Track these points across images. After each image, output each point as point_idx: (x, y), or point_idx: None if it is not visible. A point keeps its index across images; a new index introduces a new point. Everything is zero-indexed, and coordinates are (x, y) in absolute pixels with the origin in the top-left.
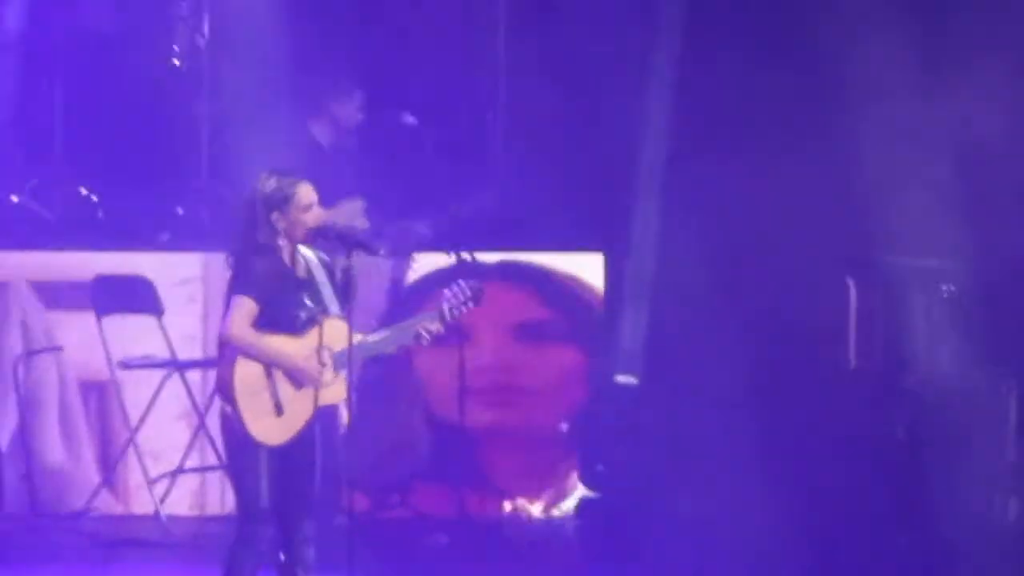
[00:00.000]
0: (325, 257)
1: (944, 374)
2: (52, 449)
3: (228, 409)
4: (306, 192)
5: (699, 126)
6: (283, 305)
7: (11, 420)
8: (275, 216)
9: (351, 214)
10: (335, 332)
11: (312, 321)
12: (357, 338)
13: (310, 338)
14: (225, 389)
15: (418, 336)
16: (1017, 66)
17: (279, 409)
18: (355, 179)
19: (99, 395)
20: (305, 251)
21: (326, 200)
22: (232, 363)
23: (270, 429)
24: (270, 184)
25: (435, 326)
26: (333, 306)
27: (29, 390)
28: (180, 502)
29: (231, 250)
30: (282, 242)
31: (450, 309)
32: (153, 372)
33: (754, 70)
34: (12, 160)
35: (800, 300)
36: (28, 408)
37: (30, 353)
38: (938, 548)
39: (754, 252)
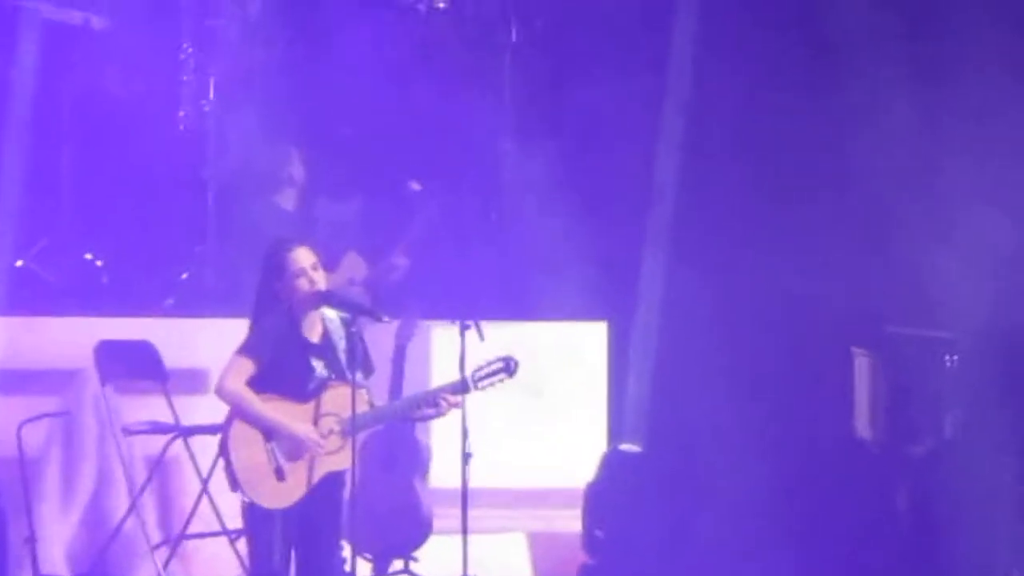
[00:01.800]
0: (347, 316)
1: (948, 444)
2: (51, 512)
3: (228, 475)
4: (299, 257)
5: (704, 196)
6: (288, 369)
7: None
8: (276, 285)
9: (351, 267)
10: (339, 399)
11: (320, 388)
12: (369, 405)
13: (314, 404)
14: (223, 447)
15: (438, 406)
16: None
17: (279, 474)
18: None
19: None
20: (329, 314)
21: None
22: (230, 423)
23: (271, 493)
24: (268, 252)
25: (456, 397)
26: (345, 371)
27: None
28: (183, 568)
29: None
30: (292, 307)
31: (475, 380)
32: (157, 437)
33: (759, 135)
34: (17, 224)
35: (805, 370)
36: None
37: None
38: None
39: (759, 322)
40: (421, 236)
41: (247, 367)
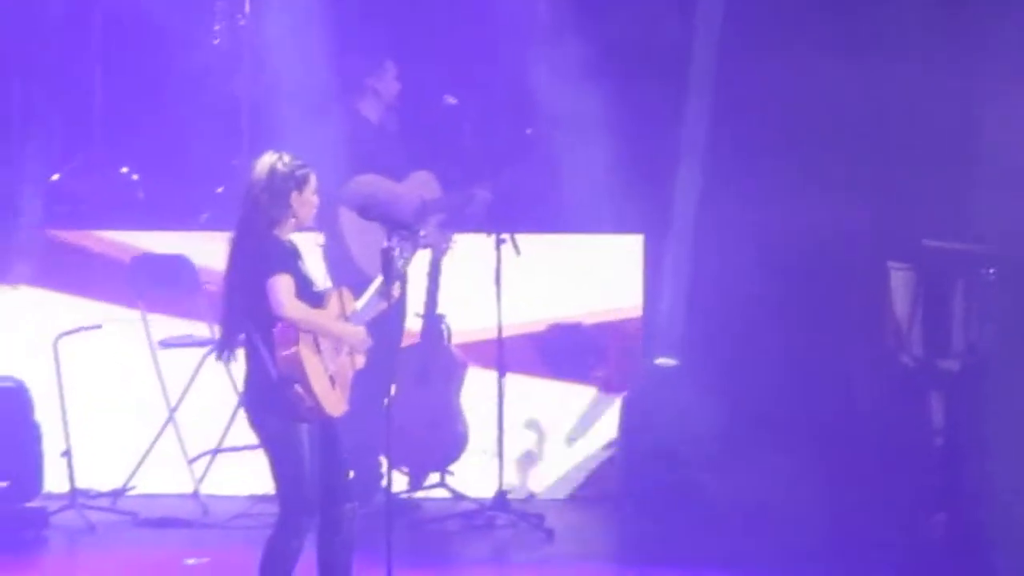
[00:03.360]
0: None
1: (982, 359)
2: (88, 426)
3: (298, 388)
4: (314, 178)
5: (741, 109)
6: (301, 280)
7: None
8: (294, 196)
9: (424, 184)
10: (344, 300)
11: (320, 296)
12: (353, 307)
13: (331, 308)
14: (295, 367)
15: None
16: None
17: (333, 380)
18: (404, 155)
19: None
20: None
21: (380, 174)
22: (296, 343)
23: (334, 402)
24: (291, 163)
25: (396, 286)
26: (318, 281)
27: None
28: (218, 481)
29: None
30: (289, 222)
31: (403, 263)
32: (193, 351)
33: (793, 59)
34: (54, 140)
35: (841, 284)
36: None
37: (73, 331)
38: (973, 531)
39: (794, 235)
40: (510, 179)
41: (291, 284)
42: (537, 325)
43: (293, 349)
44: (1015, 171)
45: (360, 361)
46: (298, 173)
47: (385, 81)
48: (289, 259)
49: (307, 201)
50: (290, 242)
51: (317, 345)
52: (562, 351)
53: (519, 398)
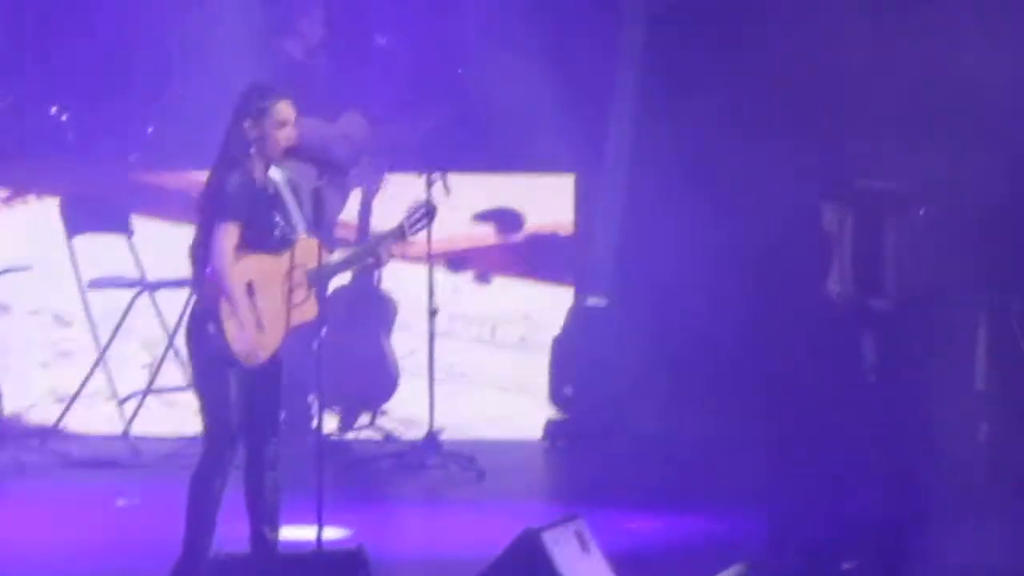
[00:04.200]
0: (290, 175)
1: (916, 297)
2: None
3: (212, 328)
4: (283, 108)
5: (675, 50)
6: (258, 224)
7: None
8: (248, 125)
9: (349, 124)
10: (307, 251)
11: (284, 241)
12: (326, 259)
13: (284, 257)
14: (212, 308)
15: (378, 255)
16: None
17: (260, 326)
18: (330, 94)
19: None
20: (272, 170)
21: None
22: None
23: (253, 347)
24: (248, 94)
25: (392, 244)
26: (300, 225)
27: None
28: (148, 422)
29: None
30: (254, 158)
31: (408, 225)
32: (123, 292)
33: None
34: None
35: (774, 223)
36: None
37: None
38: (908, 469)
39: (728, 174)
40: (440, 117)
41: (234, 233)
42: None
43: (214, 289)
44: (943, 116)
45: (305, 314)
46: (256, 104)
47: (312, 24)
48: (241, 203)
49: (267, 135)
50: (259, 180)
51: (250, 287)
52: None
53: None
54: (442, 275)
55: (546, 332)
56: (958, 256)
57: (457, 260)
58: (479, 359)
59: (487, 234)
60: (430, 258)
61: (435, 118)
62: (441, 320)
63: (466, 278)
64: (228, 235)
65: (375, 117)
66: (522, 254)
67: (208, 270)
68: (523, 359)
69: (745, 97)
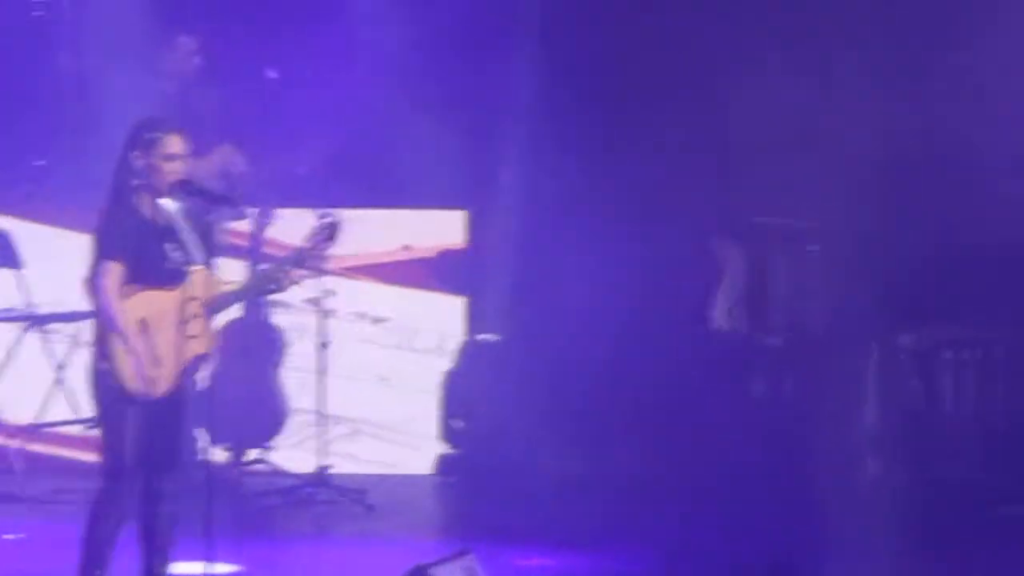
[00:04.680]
0: (187, 206)
1: (806, 334)
2: None
3: (104, 365)
4: (173, 142)
5: (568, 84)
6: (148, 258)
7: None
8: (135, 156)
9: (225, 158)
10: (202, 283)
11: (178, 272)
12: (222, 288)
13: (178, 290)
14: (103, 344)
15: (278, 280)
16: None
17: (156, 361)
18: (219, 132)
19: None
20: (166, 201)
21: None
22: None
23: (148, 382)
24: (138, 127)
25: (294, 269)
26: (199, 255)
27: None
28: (36, 456)
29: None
30: (142, 190)
31: (308, 249)
32: (11, 326)
33: (630, 28)
34: None
35: (666, 260)
36: None
37: None
38: (799, 503)
39: (620, 212)
40: (326, 145)
41: (117, 271)
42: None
43: (104, 326)
44: (842, 154)
45: (203, 345)
46: (145, 136)
47: (178, 57)
48: (127, 237)
49: (155, 167)
50: (147, 213)
51: (143, 323)
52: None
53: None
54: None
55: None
56: (847, 292)
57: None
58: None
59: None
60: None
61: (321, 152)
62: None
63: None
64: (109, 273)
65: (259, 153)
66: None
67: (95, 309)
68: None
69: (640, 132)
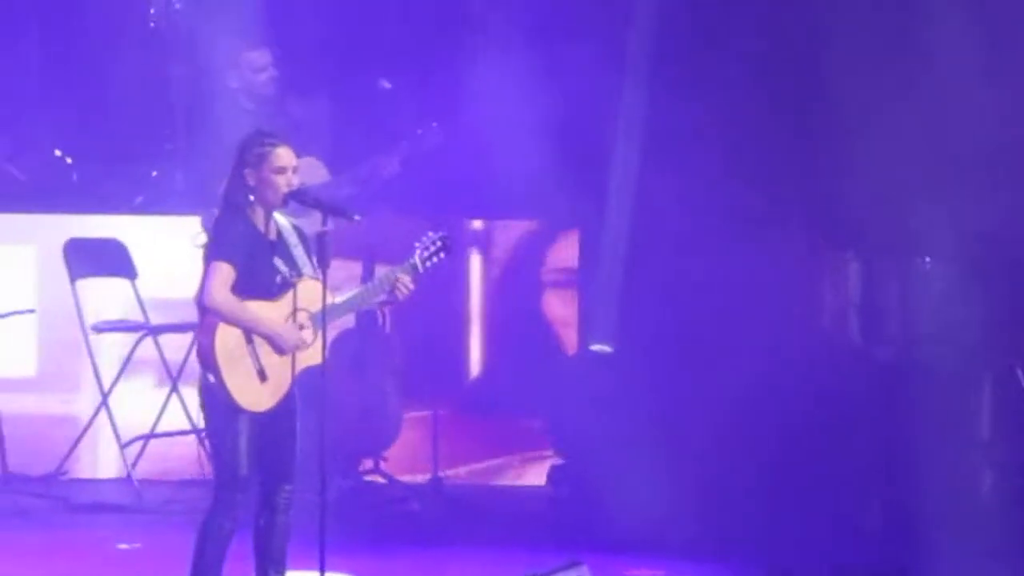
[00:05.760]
0: (295, 221)
1: (921, 348)
2: (21, 411)
3: (211, 378)
4: (282, 154)
5: (678, 96)
6: (258, 269)
7: None
8: (247, 173)
9: (308, 171)
10: (310, 294)
11: (286, 284)
12: (332, 299)
13: (285, 301)
14: (207, 357)
15: (392, 290)
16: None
17: (263, 375)
18: (328, 144)
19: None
20: (276, 215)
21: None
22: (213, 330)
23: (256, 396)
24: (248, 141)
25: (407, 278)
26: (306, 268)
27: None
28: (152, 467)
29: (209, 213)
30: (255, 204)
31: (422, 260)
32: (126, 336)
33: (731, 48)
34: None
35: (776, 272)
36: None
37: (4, 316)
38: (912, 519)
39: (731, 223)
40: (420, 149)
41: (228, 272)
42: None
43: (209, 337)
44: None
45: (313, 357)
46: (255, 151)
47: (246, 73)
48: (239, 245)
49: (266, 180)
50: (261, 227)
51: (248, 338)
52: None
53: None
54: None
55: None
56: (962, 305)
57: None
58: None
59: None
60: None
61: (400, 156)
62: None
63: None
64: (220, 273)
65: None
66: None
67: (202, 315)
68: None
69: (747, 145)
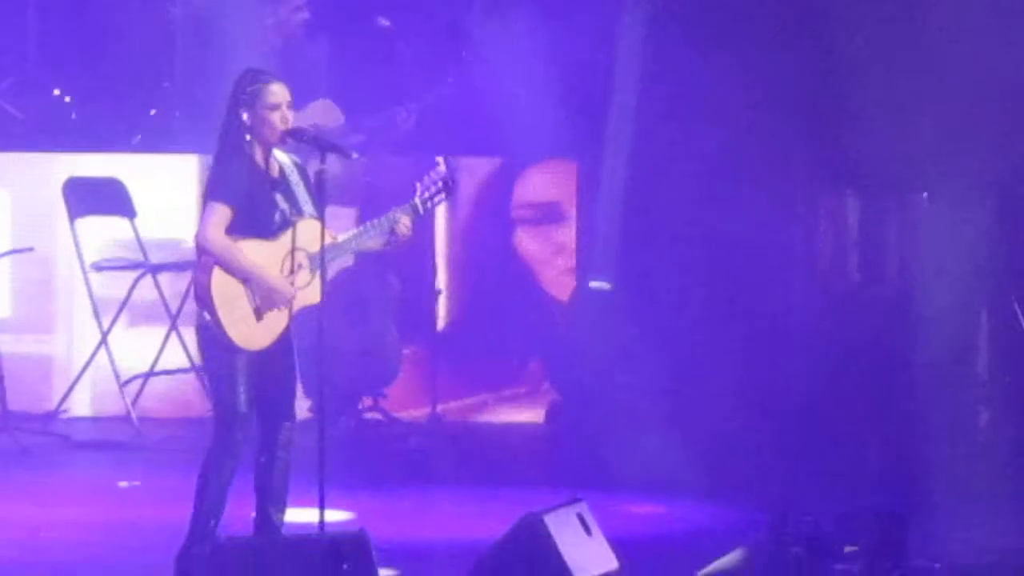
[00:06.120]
0: (297, 159)
1: (917, 284)
2: (20, 349)
3: (207, 316)
4: (276, 91)
5: (678, 32)
6: (257, 208)
7: None
8: (243, 112)
9: (323, 113)
10: (310, 233)
11: (286, 223)
12: (332, 239)
13: (284, 240)
14: (203, 296)
15: (393, 231)
16: None
17: (259, 314)
18: (328, 79)
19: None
20: (278, 153)
21: (298, 100)
22: (210, 270)
23: (251, 334)
24: (240, 80)
25: (407, 219)
26: (308, 207)
27: None
28: (152, 404)
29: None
30: (254, 143)
31: (423, 201)
32: (125, 274)
33: None
34: None
35: (776, 210)
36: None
37: (4, 254)
38: (911, 460)
39: (728, 161)
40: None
41: (224, 213)
42: None
43: (206, 275)
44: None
45: (309, 297)
46: (248, 88)
47: (287, 10)
48: (235, 184)
49: (262, 118)
50: (261, 165)
51: (246, 280)
52: None
53: None
54: None
55: None
56: (959, 242)
57: None
58: None
59: None
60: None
61: (429, 100)
62: None
63: None
64: (215, 214)
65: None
66: None
67: (199, 256)
68: None
69: (747, 83)
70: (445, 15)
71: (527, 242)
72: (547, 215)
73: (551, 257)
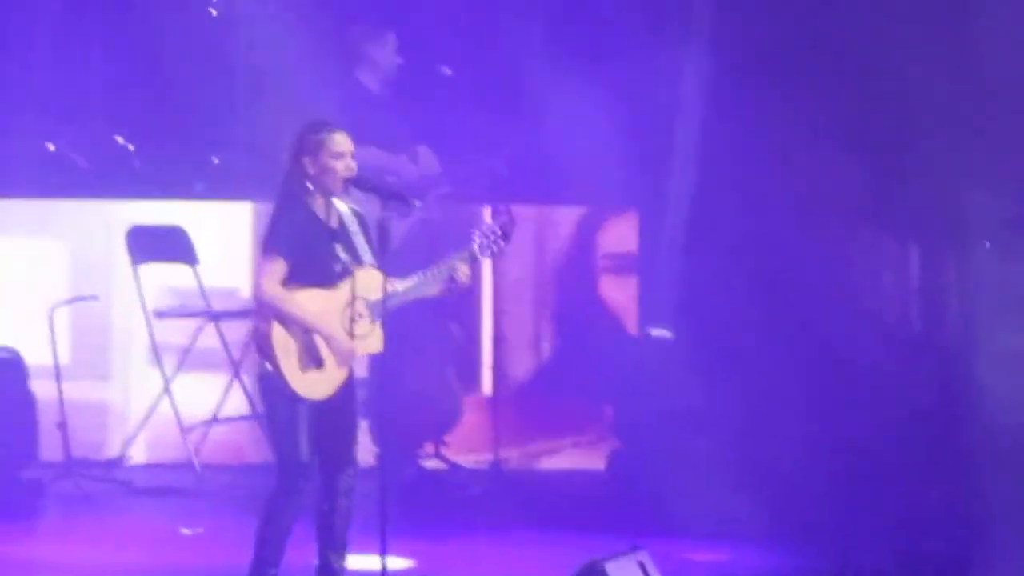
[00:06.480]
0: (357, 208)
1: (977, 335)
2: (83, 396)
3: (268, 366)
4: (339, 140)
5: (737, 83)
6: (316, 258)
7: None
8: (306, 162)
9: (422, 159)
10: (369, 282)
11: (346, 272)
12: (392, 287)
13: (344, 290)
14: (264, 346)
15: (452, 279)
16: None
17: (319, 363)
18: (402, 126)
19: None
20: (338, 202)
21: (381, 144)
22: (270, 320)
23: (312, 384)
24: (303, 130)
25: (466, 267)
26: (367, 256)
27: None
28: (213, 450)
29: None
30: (315, 192)
31: (480, 248)
32: (188, 322)
33: (795, 23)
34: (48, 108)
35: (836, 259)
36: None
37: (68, 302)
38: (975, 507)
39: (788, 212)
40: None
41: (279, 267)
42: None
43: (266, 325)
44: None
45: (370, 346)
46: (310, 138)
47: (386, 52)
48: (293, 236)
49: (325, 167)
50: (321, 214)
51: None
52: None
53: None
54: None
55: None
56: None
57: None
58: None
59: None
60: None
61: (507, 159)
62: None
63: None
64: (269, 267)
65: (448, 152)
66: None
67: (259, 307)
68: None
69: (808, 132)
70: (507, 68)
71: (609, 290)
72: (626, 264)
73: (629, 304)
